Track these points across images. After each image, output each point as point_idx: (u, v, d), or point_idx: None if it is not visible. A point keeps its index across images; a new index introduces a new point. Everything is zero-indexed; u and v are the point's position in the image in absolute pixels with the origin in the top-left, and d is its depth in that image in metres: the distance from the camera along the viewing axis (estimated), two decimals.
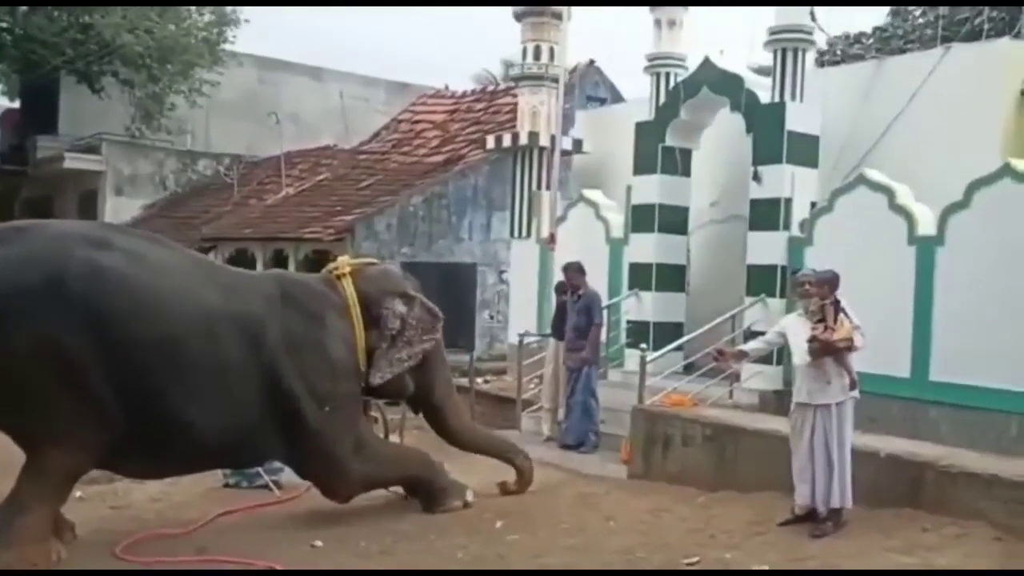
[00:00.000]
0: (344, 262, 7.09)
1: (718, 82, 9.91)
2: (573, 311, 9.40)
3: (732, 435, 7.68)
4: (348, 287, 6.81)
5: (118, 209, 21.55)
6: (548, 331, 10.23)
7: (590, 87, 17.03)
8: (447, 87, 21.06)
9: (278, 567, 5.92)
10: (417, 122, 19.25)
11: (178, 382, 5.88)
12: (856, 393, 6.50)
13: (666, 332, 10.38)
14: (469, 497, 7.47)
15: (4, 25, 21.11)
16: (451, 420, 7.54)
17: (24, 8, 20.92)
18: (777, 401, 9.20)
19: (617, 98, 16.95)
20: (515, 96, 17.87)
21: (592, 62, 17.40)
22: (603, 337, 9.78)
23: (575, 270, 9.55)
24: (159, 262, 6.04)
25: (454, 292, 9.83)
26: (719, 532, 6.78)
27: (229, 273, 6.67)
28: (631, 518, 7.27)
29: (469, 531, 6.94)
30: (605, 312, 9.88)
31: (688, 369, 9.69)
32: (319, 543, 6.51)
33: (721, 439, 7.72)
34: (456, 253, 15.07)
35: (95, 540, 6.42)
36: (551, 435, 9.76)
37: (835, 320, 6.52)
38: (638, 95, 16.08)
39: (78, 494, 6.78)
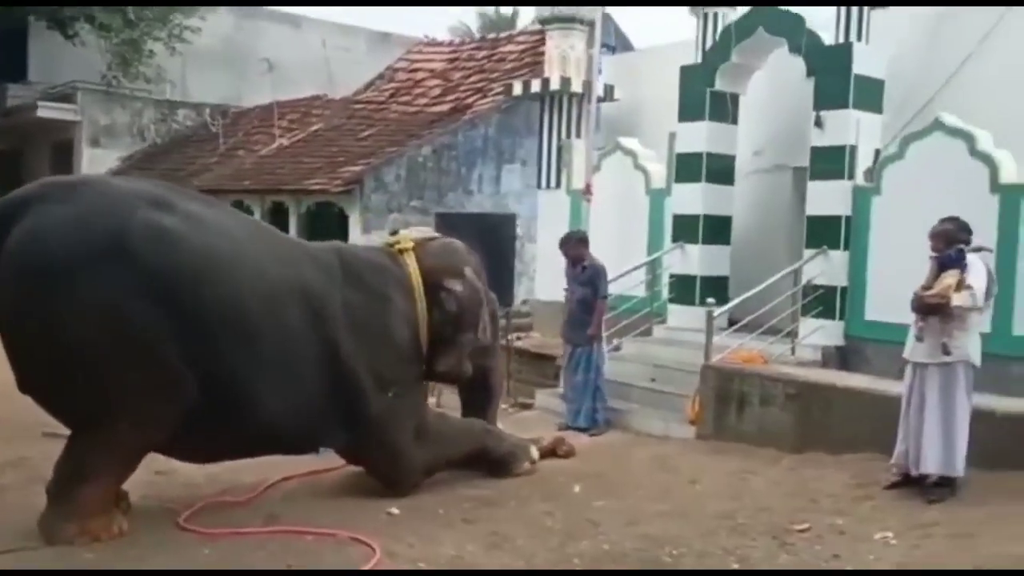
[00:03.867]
0: (406, 236, 6.59)
1: (775, 22, 9.38)
2: (577, 283, 8.82)
3: (820, 393, 7.28)
4: (411, 262, 6.32)
5: (94, 160, 20.46)
6: None
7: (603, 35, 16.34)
8: (426, 36, 20.34)
9: (362, 539, 5.41)
10: (415, 71, 18.44)
11: (247, 357, 5.31)
12: (964, 357, 6.06)
13: (712, 286, 9.94)
14: (535, 455, 7.11)
15: None
16: (489, 411, 7.14)
17: None
18: (839, 357, 8.84)
19: (627, 47, 16.32)
20: (519, 44, 17.40)
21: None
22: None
23: (577, 241, 8.96)
24: (219, 226, 5.43)
25: (493, 245, 9.28)
26: (821, 496, 6.40)
27: (287, 241, 6.09)
28: (716, 481, 6.88)
29: (548, 496, 6.51)
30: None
31: (732, 325, 9.24)
32: (395, 510, 6.01)
33: (807, 398, 7.30)
34: (466, 206, 14.43)
35: (151, 509, 5.88)
36: None
37: (936, 275, 6.08)
38: (648, 44, 15.71)
39: None
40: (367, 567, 5.02)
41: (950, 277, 5.91)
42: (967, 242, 6.02)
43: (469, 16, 32.10)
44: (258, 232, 5.81)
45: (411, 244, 6.43)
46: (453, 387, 7.22)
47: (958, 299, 5.87)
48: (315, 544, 5.40)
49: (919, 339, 6.02)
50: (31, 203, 4.97)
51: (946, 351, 5.93)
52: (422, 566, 5.14)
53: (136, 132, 21.43)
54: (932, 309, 5.95)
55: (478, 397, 7.02)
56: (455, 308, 6.34)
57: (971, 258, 5.97)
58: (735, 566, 5.23)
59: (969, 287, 5.88)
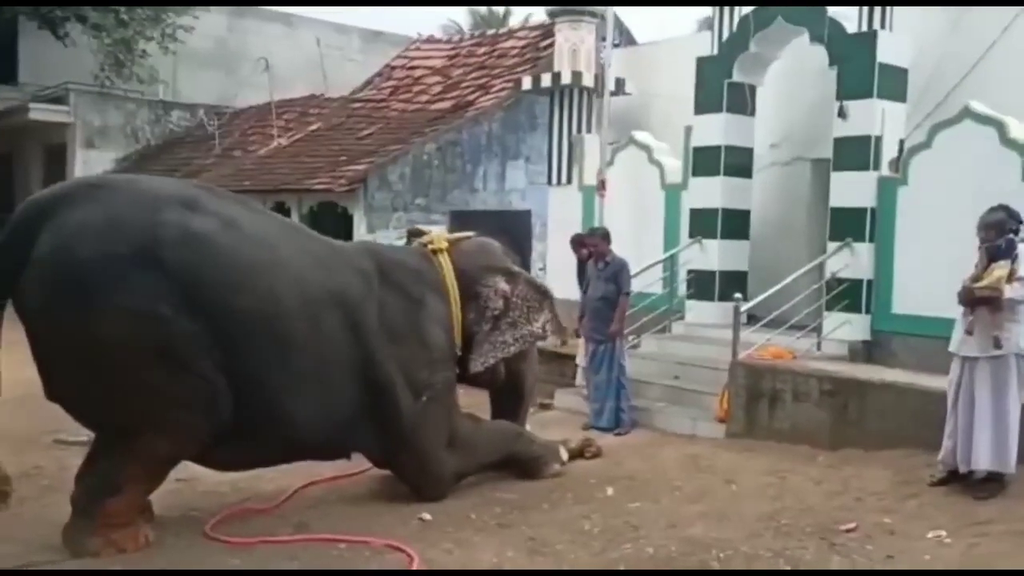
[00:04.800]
0: (440, 236, 6.49)
1: (795, 11, 9.18)
2: (600, 280, 8.60)
3: (856, 389, 7.08)
4: (445, 263, 6.20)
5: (88, 163, 20.20)
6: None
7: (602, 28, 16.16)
8: (419, 35, 20.16)
9: (398, 546, 5.21)
10: (413, 68, 18.26)
11: (283, 366, 5.14)
12: (1016, 350, 5.86)
13: (731, 281, 9.75)
14: (564, 456, 6.98)
15: None
16: (519, 414, 6.98)
17: None
18: (866, 352, 8.66)
19: (631, 41, 16.15)
20: (520, 39, 17.22)
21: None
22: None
23: (600, 237, 8.76)
24: (254, 228, 5.23)
25: (509, 241, 9.08)
26: (865, 495, 6.21)
27: (322, 243, 5.86)
28: (753, 481, 6.68)
29: (581, 499, 6.34)
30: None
31: (751, 320, 9.04)
32: (427, 516, 5.82)
33: (843, 394, 7.11)
34: (471, 204, 14.24)
35: (174, 518, 5.69)
36: None
37: (986, 266, 5.88)
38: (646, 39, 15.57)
39: None
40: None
41: (1001, 268, 5.71)
42: (1017, 231, 5.83)
43: (460, 14, 31.91)
44: (294, 235, 5.63)
45: (445, 244, 6.30)
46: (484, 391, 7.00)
47: (1010, 291, 5.68)
48: (349, 553, 5.21)
49: (968, 332, 5.82)
50: (58, 205, 4.76)
51: (997, 344, 5.74)
52: None
53: (130, 133, 21.18)
54: (982, 301, 5.75)
55: (509, 400, 6.84)
56: (500, 306, 6.20)
57: (1021, 248, 5.78)
58: (787, 569, 5.03)
59: (1022, 278, 5.68)
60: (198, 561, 4.98)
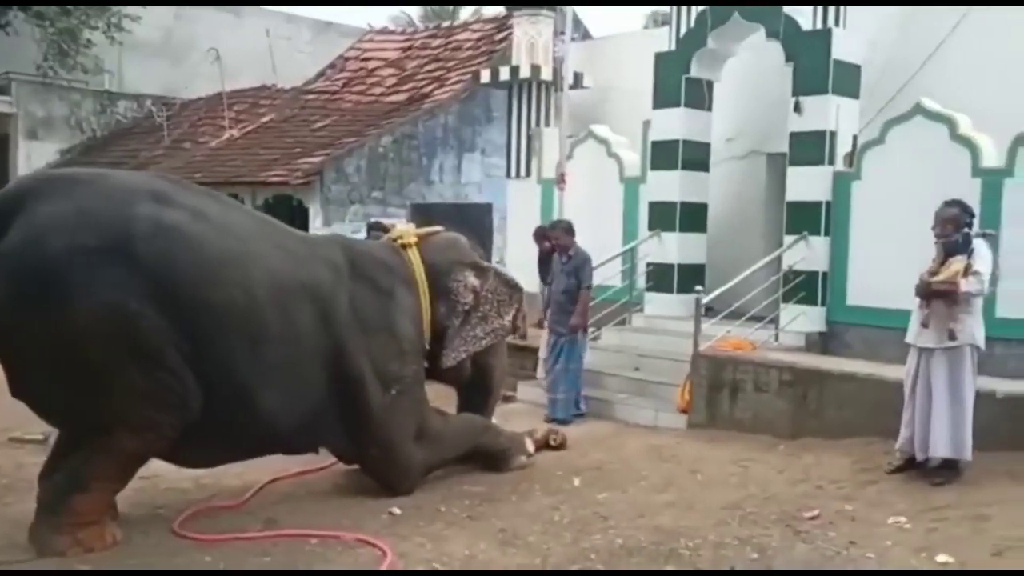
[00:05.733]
0: (409, 231, 6.44)
1: (752, 8, 9.31)
2: (563, 273, 8.68)
3: (816, 379, 7.24)
4: (414, 257, 6.19)
5: (32, 154, 19.70)
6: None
7: (559, 22, 16.22)
8: (369, 26, 20.06)
9: (370, 540, 5.21)
10: (367, 60, 18.15)
11: (254, 360, 5.09)
12: (971, 340, 6.04)
13: (689, 274, 9.88)
14: (531, 448, 7.01)
15: None
16: (487, 409, 7.02)
17: None
18: (822, 343, 8.84)
19: (585, 35, 16.22)
20: (475, 32, 17.21)
21: None
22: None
23: (563, 230, 8.79)
24: (224, 221, 5.18)
25: (470, 234, 9.08)
26: (826, 482, 6.37)
27: (293, 236, 5.82)
28: (717, 470, 6.81)
29: (550, 491, 6.40)
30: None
31: (709, 312, 9.16)
32: (397, 510, 5.82)
33: (803, 384, 7.27)
34: (427, 196, 14.22)
35: (141, 516, 5.62)
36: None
37: (943, 261, 6.04)
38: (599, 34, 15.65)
39: None
40: (383, 568, 4.83)
41: (958, 263, 5.87)
42: (971, 225, 5.99)
43: (411, 7, 31.71)
44: (265, 228, 5.57)
45: (414, 239, 6.29)
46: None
47: (966, 285, 5.84)
48: (320, 548, 5.19)
49: (924, 325, 5.97)
50: (27, 199, 4.66)
51: (952, 336, 5.90)
52: (436, 567, 4.96)
53: (75, 124, 20.70)
54: (938, 294, 5.91)
55: (477, 394, 6.85)
56: (470, 300, 6.22)
57: (976, 243, 5.95)
58: (754, 556, 5.13)
59: (977, 272, 5.85)
60: (168, 559, 4.92)
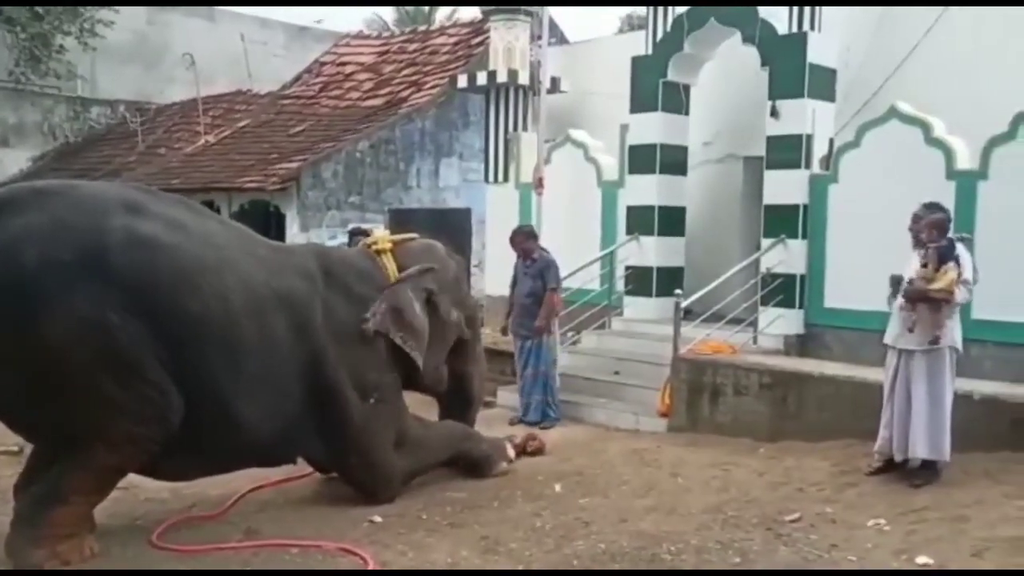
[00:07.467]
0: (384, 237, 6.42)
1: (728, 12, 9.36)
2: (527, 276, 8.66)
3: (795, 382, 7.27)
4: (389, 264, 6.18)
5: (4, 161, 19.54)
6: None
7: (536, 27, 16.23)
8: (348, 32, 19.96)
9: (351, 549, 5.18)
10: (343, 64, 18.04)
11: (231, 367, 5.05)
12: (951, 343, 6.08)
13: (668, 278, 9.92)
14: (511, 454, 7.03)
15: None
16: (467, 417, 7.02)
17: None
18: (800, 345, 8.89)
19: (562, 39, 16.25)
20: (451, 36, 17.16)
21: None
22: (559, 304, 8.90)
23: (525, 235, 8.78)
24: (200, 231, 5.15)
25: (449, 240, 9.06)
26: (806, 485, 6.37)
27: (267, 245, 5.79)
28: (698, 474, 6.81)
29: (531, 497, 6.39)
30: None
31: (688, 316, 9.20)
32: (378, 518, 5.80)
33: (782, 387, 7.29)
34: (406, 201, 14.16)
35: (119, 527, 5.57)
36: None
37: (937, 267, 6.03)
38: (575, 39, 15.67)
39: None
40: None
41: (952, 271, 5.87)
42: (948, 229, 6.04)
43: (385, 11, 31.62)
44: (240, 238, 5.54)
45: (389, 245, 6.27)
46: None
47: (959, 295, 5.88)
48: (302, 557, 5.15)
49: (910, 330, 5.99)
50: (1, 211, 4.59)
51: (935, 341, 5.94)
52: None
53: (47, 131, 20.50)
54: (928, 299, 5.93)
55: (457, 403, 6.85)
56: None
57: (959, 248, 5.98)
58: (736, 560, 5.14)
59: (966, 281, 5.89)
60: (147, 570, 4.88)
